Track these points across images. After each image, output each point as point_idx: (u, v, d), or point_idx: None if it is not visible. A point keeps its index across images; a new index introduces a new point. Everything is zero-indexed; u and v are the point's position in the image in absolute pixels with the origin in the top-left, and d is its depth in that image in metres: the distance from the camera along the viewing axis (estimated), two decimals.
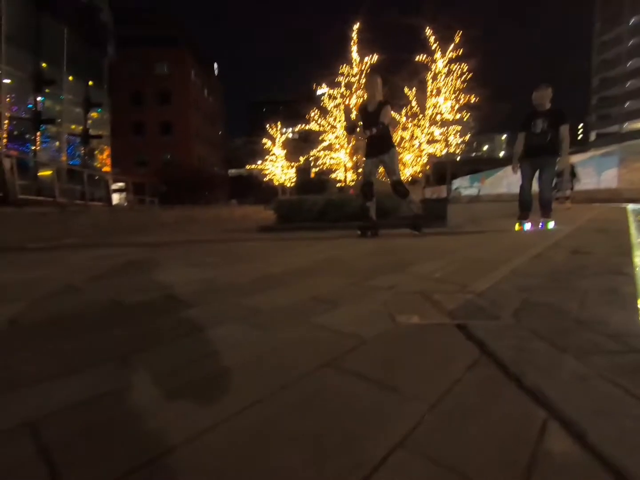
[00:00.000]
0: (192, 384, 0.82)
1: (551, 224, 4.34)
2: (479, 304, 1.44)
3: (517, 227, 4.39)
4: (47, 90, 14.35)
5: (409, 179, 13.54)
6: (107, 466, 0.56)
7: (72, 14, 14.88)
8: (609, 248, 2.64)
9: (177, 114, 34.35)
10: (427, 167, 12.65)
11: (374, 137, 3.98)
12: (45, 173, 12.36)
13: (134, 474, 0.55)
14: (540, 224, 4.39)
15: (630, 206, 9.01)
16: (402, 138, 12.39)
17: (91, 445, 0.62)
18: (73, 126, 16.38)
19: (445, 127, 10.92)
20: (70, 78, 15.60)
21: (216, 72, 47.62)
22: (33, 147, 13.81)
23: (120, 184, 17.14)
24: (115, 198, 18.43)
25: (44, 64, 14.00)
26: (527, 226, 4.38)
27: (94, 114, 17.71)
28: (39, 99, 13.99)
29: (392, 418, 0.67)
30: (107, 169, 18.39)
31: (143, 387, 0.82)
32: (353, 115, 3.53)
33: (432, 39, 10.34)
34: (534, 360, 0.90)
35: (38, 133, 14.00)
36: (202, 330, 1.17)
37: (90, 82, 17.05)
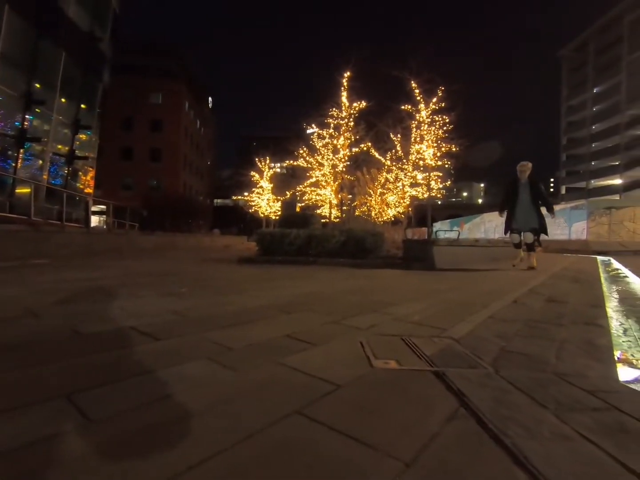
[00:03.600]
0: (151, 427, 0.74)
1: None
2: (457, 350, 1.41)
3: None
4: (37, 110, 14.33)
5: (392, 219, 13.84)
6: None
7: (72, 41, 15.27)
8: (584, 298, 2.70)
9: (167, 141, 34.63)
10: (409, 209, 13.01)
11: None
12: (23, 190, 12.01)
13: None
14: None
15: (599, 258, 9.42)
16: (386, 180, 12.84)
17: None
18: (60, 146, 16.22)
19: (427, 173, 11.42)
20: (63, 100, 15.68)
21: (210, 105, 49.00)
22: (14, 164, 13.50)
23: (102, 207, 16.79)
24: (95, 220, 17.94)
25: (37, 85, 14.08)
26: None
27: (82, 136, 17.65)
28: (27, 117, 13.91)
29: (365, 478, 0.61)
30: (89, 190, 18.05)
31: (86, 433, 0.73)
32: None
33: (416, 91, 11.06)
34: (514, 415, 0.87)
35: (21, 150, 13.76)
36: (167, 367, 1.08)
37: (83, 106, 17.16)
